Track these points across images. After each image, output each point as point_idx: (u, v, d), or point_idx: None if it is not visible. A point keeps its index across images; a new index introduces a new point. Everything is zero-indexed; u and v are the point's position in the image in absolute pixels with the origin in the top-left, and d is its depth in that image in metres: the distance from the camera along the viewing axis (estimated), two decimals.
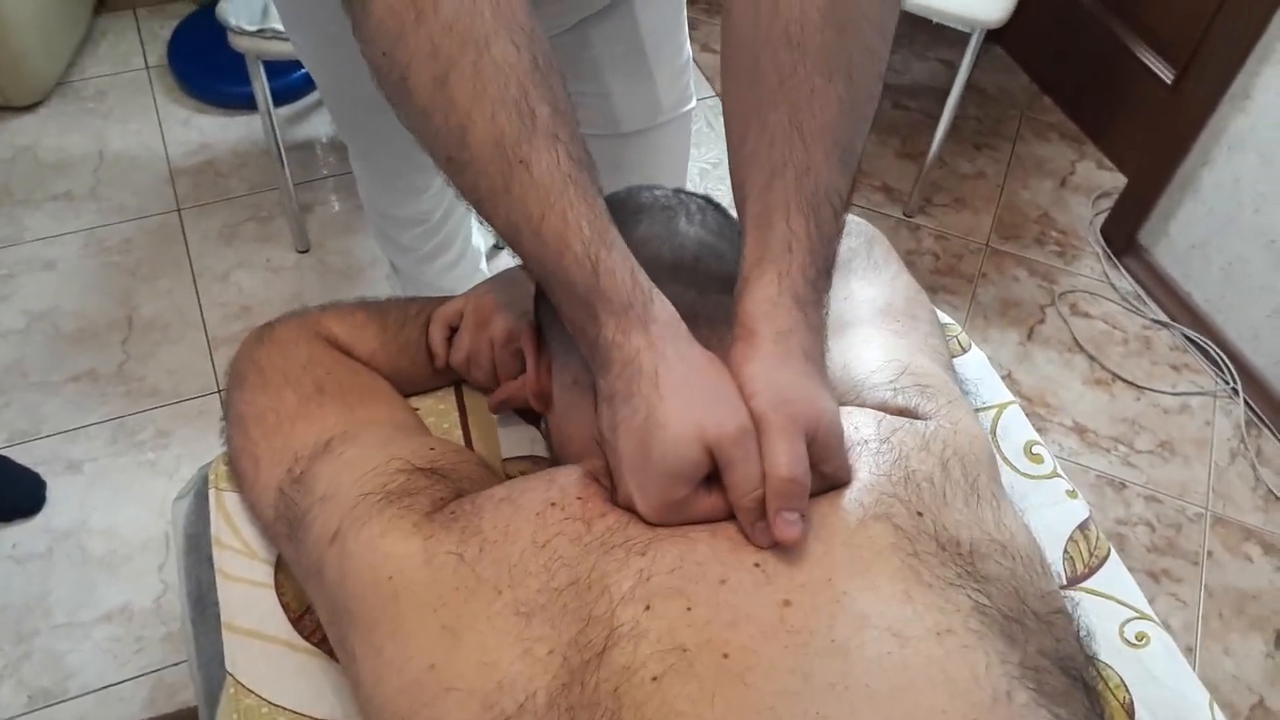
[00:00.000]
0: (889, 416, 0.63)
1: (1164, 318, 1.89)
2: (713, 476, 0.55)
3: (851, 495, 0.57)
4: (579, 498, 0.57)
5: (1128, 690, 0.72)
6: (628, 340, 0.56)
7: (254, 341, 0.75)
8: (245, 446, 0.70)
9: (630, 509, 0.55)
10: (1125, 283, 1.95)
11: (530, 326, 0.70)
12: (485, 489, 0.60)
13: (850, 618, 0.51)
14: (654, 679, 0.48)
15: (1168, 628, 1.45)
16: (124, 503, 1.49)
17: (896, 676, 0.49)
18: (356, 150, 1.27)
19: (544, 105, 0.57)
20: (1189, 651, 1.46)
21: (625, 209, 0.70)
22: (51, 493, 1.49)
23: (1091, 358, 1.83)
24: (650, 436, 0.54)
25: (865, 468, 0.58)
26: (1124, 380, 1.80)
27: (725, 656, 0.49)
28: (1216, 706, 0.72)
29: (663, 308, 0.57)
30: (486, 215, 0.59)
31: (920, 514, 0.57)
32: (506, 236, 0.58)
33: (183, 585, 0.74)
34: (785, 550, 0.53)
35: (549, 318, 0.68)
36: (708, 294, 0.64)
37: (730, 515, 0.55)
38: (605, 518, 0.55)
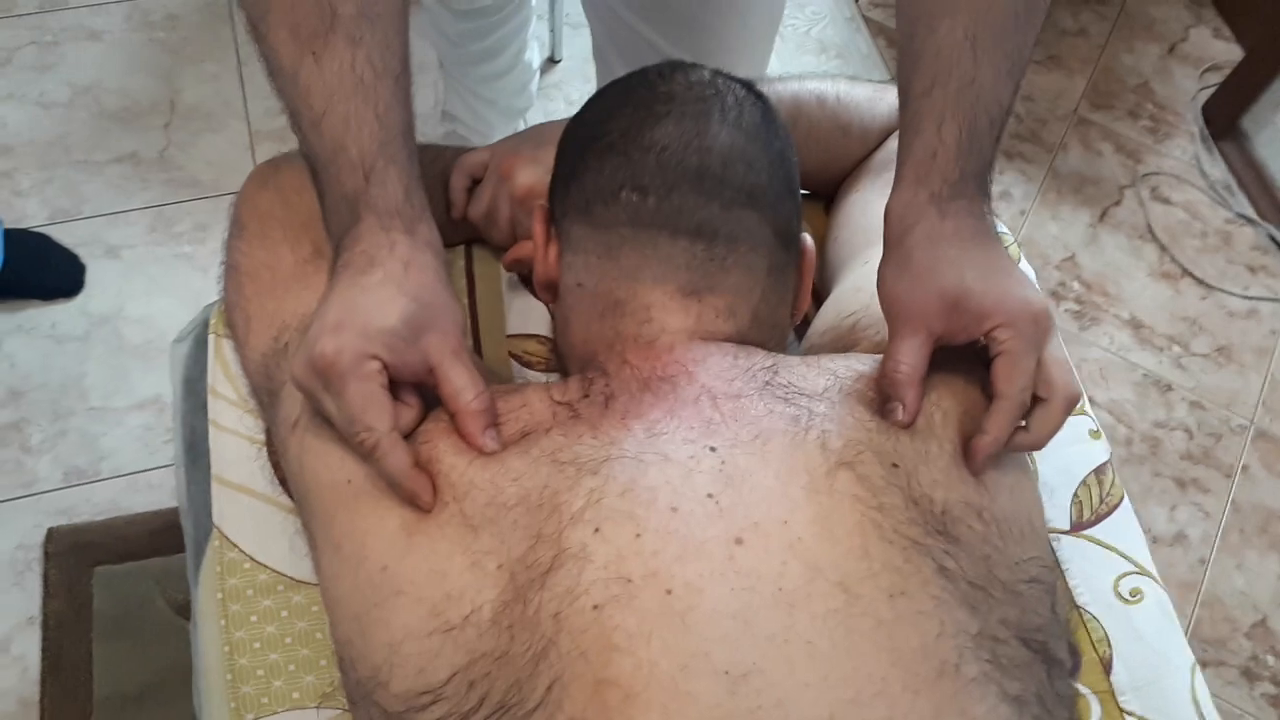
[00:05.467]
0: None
1: (1251, 213, 1.76)
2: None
3: (820, 438, 0.54)
4: (524, 405, 0.56)
5: (1110, 645, 0.70)
6: (386, 236, 0.55)
7: (257, 184, 0.72)
8: (238, 302, 0.68)
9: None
10: (1217, 170, 1.81)
11: (541, 209, 0.66)
12: None
13: (801, 567, 0.49)
14: (595, 607, 0.48)
15: (1183, 539, 1.45)
16: (160, 293, 1.50)
17: (840, 637, 0.48)
18: None
19: (348, 5, 0.55)
20: (1201, 564, 1.45)
21: (655, 94, 0.64)
22: (90, 276, 1.51)
23: (1163, 248, 1.72)
24: (315, 319, 0.54)
25: (847, 411, 0.56)
26: (1193, 276, 1.70)
27: (668, 593, 0.48)
28: (1199, 672, 0.71)
29: (429, 230, 0.58)
30: (276, 89, 0.58)
31: (896, 465, 0.54)
32: (289, 116, 0.58)
33: (178, 431, 0.74)
34: (740, 485, 0.52)
35: (563, 205, 0.64)
36: (731, 209, 0.60)
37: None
38: (551, 433, 0.54)
